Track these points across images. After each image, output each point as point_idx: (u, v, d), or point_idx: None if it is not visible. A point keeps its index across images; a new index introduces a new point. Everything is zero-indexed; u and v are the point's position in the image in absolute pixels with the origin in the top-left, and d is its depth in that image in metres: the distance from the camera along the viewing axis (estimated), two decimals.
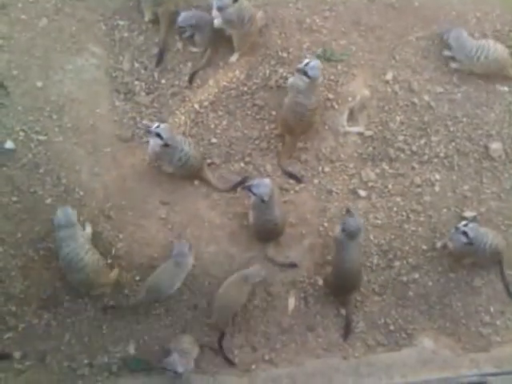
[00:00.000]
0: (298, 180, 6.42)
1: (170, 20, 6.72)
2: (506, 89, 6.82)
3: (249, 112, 6.61)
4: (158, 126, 6.00)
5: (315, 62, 6.16)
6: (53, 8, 6.65)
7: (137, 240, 6.14)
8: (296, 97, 6.23)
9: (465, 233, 5.89)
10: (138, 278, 6.06)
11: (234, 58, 6.72)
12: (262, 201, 5.83)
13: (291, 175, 6.41)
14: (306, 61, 6.19)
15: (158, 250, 6.14)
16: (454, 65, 6.82)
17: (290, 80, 6.34)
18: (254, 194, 5.86)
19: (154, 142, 6.04)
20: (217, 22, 6.59)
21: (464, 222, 5.99)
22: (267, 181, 5.91)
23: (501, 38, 6.91)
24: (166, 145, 6.00)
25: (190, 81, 6.66)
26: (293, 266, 6.16)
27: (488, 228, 6.16)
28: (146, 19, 6.77)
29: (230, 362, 5.92)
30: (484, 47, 6.61)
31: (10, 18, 6.55)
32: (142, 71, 6.65)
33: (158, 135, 5.97)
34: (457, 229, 5.95)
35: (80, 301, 5.99)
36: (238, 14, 6.46)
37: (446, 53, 6.85)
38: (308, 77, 6.12)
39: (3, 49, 6.42)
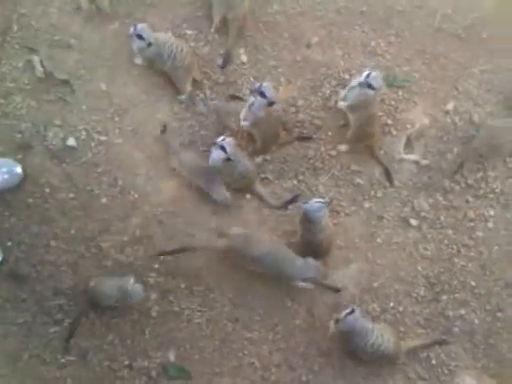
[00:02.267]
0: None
1: (239, 28, 6.80)
2: None
3: (305, 131, 6.61)
4: (223, 139, 6.06)
5: (375, 73, 6.12)
6: (125, 12, 6.77)
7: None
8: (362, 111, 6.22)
9: None
10: (183, 286, 6.10)
11: (181, 97, 6.63)
12: (310, 221, 5.82)
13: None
14: (366, 73, 6.14)
15: (206, 260, 6.16)
16: None
17: (352, 100, 6.28)
18: (306, 213, 5.85)
19: (217, 155, 6.08)
20: (137, 61, 6.62)
21: None
22: (320, 204, 5.86)
23: None
24: (228, 159, 6.04)
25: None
26: (336, 290, 6.11)
27: None
28: (213, 29, 6.83)
29: None
30: None
31: (83, 19, 6.70)
32: (205, 81, 6.70)
33: (222, 148, 6.03)
34: None
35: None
36: (156, 51, 6.39)
37: None
38: (373, 88, 6.08)
39: (73, 48, 6.56)
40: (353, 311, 5.67)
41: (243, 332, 6.05)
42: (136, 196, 6.28)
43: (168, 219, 6.24)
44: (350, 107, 6.36)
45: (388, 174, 6.50)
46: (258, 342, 6.04)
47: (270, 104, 6.12)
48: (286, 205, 6.33)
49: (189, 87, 6.61)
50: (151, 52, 6.38)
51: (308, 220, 5.87)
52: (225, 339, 6.03)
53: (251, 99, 6.20)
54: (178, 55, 6.40)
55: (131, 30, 6.30)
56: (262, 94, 6.09)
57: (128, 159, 6.37)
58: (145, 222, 6.21)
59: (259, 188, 6.35)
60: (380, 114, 6.62)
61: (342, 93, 6.48)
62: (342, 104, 6.46)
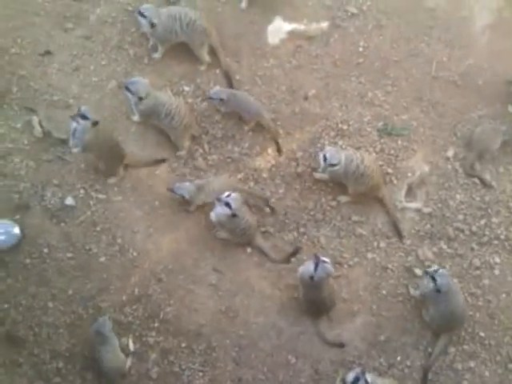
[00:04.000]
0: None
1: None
2: None
3: (306, 183, 6.59)
4: (228, 196, 6.02)
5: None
6: (122, 71, 6.87)
7: (186, 305, 6.08)
8: None
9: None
10: (184, 345, 5.97)
11: (180, 153, 6.66)
12: (311, 279, 5.74)
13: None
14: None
15: (207, 316, 6.06)
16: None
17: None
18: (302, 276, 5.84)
19: (222, 211, 6.03)
20: (135, 118, 6.67)
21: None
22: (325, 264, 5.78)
23: None
24: (234, 215, 6.00)
25: None
26: (341, 346, 5.96)
27: None
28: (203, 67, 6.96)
29: None
30: None
31: (82, 80, 6.79)
32: (203, 136, 6.73)
33: (228, 204, 5.98)
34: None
35: None
36: (152, 108, 6.46)
37: None
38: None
39: (72, 108, 6.58)
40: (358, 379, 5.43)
41: None
42: (135, 254, 6.23)
43: (167, 276, 6.17)
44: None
45: (396, 227, 6.42)
46: None
47: (95, 124, 6.03)
48: (287, 258, 6.24)
49: (187, 144, 6.63)
50: (147, 106, 6.43)
51: (307, 280, 5.80)
52: None
53: (73, 125, 6.10)
54: (176, 116, 6.46)
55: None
56: (84, 117, 6.01)
57: (127, 217, 6.35)
58: (144, 281, 6.15)
59: (260, 242, 6.28)
60: (380, 163, 6.62)
61: (322, 164, 6.39)
62: (318, 175, 6.52)
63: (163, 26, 6.68)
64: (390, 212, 6.46)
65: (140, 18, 6.67)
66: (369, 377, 5.38)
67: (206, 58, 6.95)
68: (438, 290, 5.74)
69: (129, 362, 5.80)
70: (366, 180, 6.29)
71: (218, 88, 6.77)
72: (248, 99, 6.72)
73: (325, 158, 6.26)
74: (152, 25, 6.64)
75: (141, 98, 6.38)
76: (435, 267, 5.93)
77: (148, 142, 6.67)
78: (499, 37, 7.24)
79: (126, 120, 6.70)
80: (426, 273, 5.86)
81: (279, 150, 6.67)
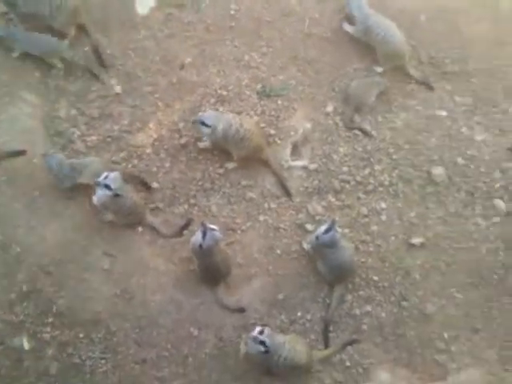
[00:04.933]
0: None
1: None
2: (444, 113, 6.90)
3: (191, 154, 6.54)
4: (106, 177, 5.85)
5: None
6: None
7: (79, 294, 5.94)
8: None
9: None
10: (82, 335, 5.85)
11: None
12: (200, 247, 5.76)
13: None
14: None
15: (103, 303, 5.94)
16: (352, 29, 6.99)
17: None
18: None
19: (103, 193, 5.88)
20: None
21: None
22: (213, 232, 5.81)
23: (436, 65, 7.03)
24: (116, 195, 5.86)
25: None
26: (241, 310, 6.03)
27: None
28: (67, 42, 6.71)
29: None
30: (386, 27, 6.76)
31: None
32: (79, 117, 6.51)
33: (107, 186, 5.82)
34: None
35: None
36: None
37: (347, 28, 7.01)
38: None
39: None
40: (262, 332, 5.58)
41: (152, 372, 5.85)
42: (18, 249, 6.00)
43: (56, 268, 5.99)
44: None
45: (284, 185, 6.50)
46: (169, 379, 5.85)
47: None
48: (179, 232, 6.20)
49: None
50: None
51: (197, 250, 5.81)
52: (134, 383, 5.82)
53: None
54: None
55: None
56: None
57: (6, 211, 6.09)
58: (31, 276, 5.94)
59: (150, 219, 6.19)
60: (262, 125, 6.65)
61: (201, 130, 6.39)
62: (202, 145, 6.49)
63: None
64: (276, 172, 6.51)
65: None
66: (267, 336, 5.52)
67: (72, 32, 6.70)
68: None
69: None
70: (246, 143, 6.29)
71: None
72: None
73: (201, 122, 6.23)
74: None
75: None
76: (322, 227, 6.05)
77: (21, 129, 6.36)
78: None
79: None
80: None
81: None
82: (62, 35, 6.75)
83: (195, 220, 6.28)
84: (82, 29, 6.84)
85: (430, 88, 6.98)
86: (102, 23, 6.92)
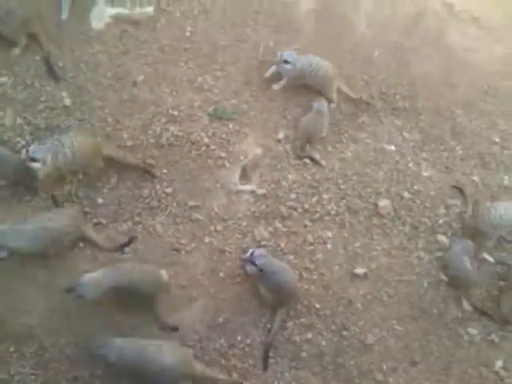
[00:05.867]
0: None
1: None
2: (392, 148, 7.04)
3: (138, 172, 6.46)
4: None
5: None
6: None
7: (13, 307, 5.70)
8: None
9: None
10: (12, 349, 5.60)
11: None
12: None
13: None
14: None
15: (38, 316, 5.72)
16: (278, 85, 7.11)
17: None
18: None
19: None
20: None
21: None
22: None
23: (386, 100, 7.20)
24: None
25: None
26: (174, 329, 5.89)
27: None
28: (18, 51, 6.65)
29: None
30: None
31: None
32: (25, 127, 6.38)
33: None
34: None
35: None
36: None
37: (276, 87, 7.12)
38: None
39: None
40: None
41: None
42: None
43: None
44: None
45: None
46: None
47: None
48: (121, 248, 6.05)
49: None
50: None
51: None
52: None
53: None
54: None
55: None
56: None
57: None
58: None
59: (91, 234, 6.03)
60: (213, 147, 6.66)
61: None
62: None
63: None
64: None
65: None
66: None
67: (23, 41, 6.56)
68: (261, 270, 5.90)
69: None
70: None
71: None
72: None
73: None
74: None
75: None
76: (251, 250, 6.05)
77: None
78: (324, 21, 7.55)
79: None
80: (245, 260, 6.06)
81: None
82: (11, 43, 6.64)
83: (139, 238, 6.16)
84: (33, 39, 6.74)
85: (367, 103, 7.18)
86: (56, 35, 6.87)
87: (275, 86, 7.06)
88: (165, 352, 5.46)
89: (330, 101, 7.06)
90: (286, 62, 6.86)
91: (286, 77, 7.00)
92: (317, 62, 6.93)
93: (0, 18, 6.45)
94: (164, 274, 5.90)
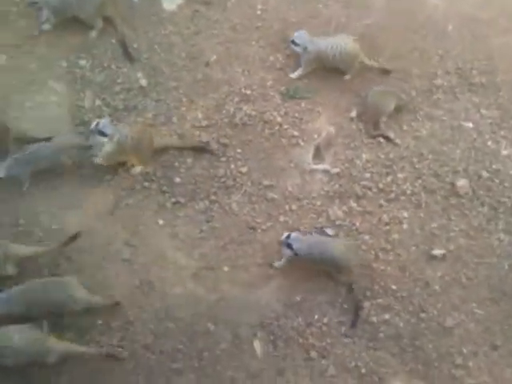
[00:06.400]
0: None
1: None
2: (470, 125, 6.84)
3: (214, 150, 6.50)
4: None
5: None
6: (12, 44, 6.48)
7: (99, 282, 5.89)
8: None
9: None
10: (100, 322, 5.79)
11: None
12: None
13: None
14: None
15: (122, 292, 5.90)
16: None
17: None
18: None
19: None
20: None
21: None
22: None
23: (462, 75, 7.01)
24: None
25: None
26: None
27: None
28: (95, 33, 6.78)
29: None
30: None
31: None
32: (104, 108, 6.51)
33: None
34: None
35: None
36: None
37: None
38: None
39: None
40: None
41: (168, 363, 5.77)
42: (41, 234, 5.99)
43: (77, 255, 5.95)
44: None
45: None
46: (184, 371, 5.77)
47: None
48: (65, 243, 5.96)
49: None
50: None
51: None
52: (149, 373, 5.74)
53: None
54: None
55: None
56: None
57: (28, 197, 6.08)
58: (53, 261, 5.91)
59: None
60: (286, 126, 6.65)
61: None
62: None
63: None
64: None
65: None
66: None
67: (100, 24, 6.69)
68: (296, 254, 5.89)
69: None
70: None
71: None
72: None
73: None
74: None
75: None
76: (287, 234, 6.02)
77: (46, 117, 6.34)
78: None
79: (20, 95, 6.35)
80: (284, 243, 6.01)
81: None
82: (89, 27, 6.77)
83: (215, 216, 6.25)
84: (109, 22, 6.84)
85: (387, 72, 6.97)
86: (129, 17, 6.95)
87: (292, 75, 6.87)
88: None
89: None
90: (294, 43, 6.70)
91: (302, 62, 6.80)
92: (337, 44, 6.66)
93: (78, 2, 6.52)
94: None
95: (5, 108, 6.24)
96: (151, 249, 6.08)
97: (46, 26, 6.65)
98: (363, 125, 6.78)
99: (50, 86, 6.51)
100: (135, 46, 6.87)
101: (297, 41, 6.68)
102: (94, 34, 6.79)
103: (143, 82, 6.71)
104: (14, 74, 6.43)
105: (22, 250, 5.73)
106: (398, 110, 6.82)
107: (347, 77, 6.91)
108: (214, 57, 6.91)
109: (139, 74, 6.76)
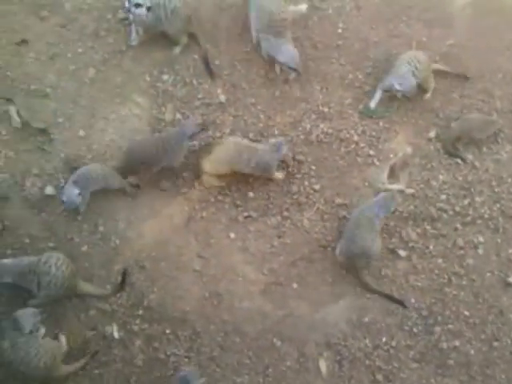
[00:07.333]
0: None
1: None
2: None
3: (289, 168, 6.57)
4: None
5: None
6: (100, 59, 6.79)
7: (170, 292, 6.05)
8: None
9: None
10: (168, 331, 5.94)
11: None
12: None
13: None
14: None
15: (191, 303, 6.04)
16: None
17: None
18: None
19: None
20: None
21: None
22: None
23: None
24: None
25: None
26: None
27: None
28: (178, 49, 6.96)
29: None
30: None
31: (59, 68, 6.72)
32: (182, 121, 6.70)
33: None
34: None
35: None
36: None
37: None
38: None
39: (50, 97, 6.57)
40: None
41: (233, 377, 5.86)
42: (118, 242, 6.19)
43: (151, 264, 6.14)
44: None
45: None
46: None
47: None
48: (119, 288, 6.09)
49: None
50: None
51: None
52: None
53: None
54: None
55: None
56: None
57: (109, 205, 6.30)
58: (127, 269, 6.10)
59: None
60: (362, 145, 6.63)
61: None
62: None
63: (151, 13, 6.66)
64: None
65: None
66: None
67: (185, 40, 6.92)
68: None
69: None
70: None
71: None
72: None
73: None
74: (148, 9, 6.58)
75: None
76: None
77: (128, 129, 6.61)
78: (480, 14, 7.22)
79: (105, 107, 6.63)
80: None
81: None
82: (174, 43, 6.98)
83: (286, 232, 6.31)
84: (192, 38, 7.04)
85: (465, 78, 6.90)
86: (211, 34, 7.08)
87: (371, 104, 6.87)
88: None
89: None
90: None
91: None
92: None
93: (166, 16, 6.72)
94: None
95: (90, 119, 6.53)
96: (221, 261, 6.19)
97: (134, 42, 6.90)
98: (441, 145, 6.65)
99: (133, 99, 6.72)
100: (217, 62, 6.99)
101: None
102: (177, 49, 6.98)
103: (222, 98, 6.83)
104: (101, 87, 6.70)
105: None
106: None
107: (427, 96, 6.80)
108: (293, 74, 6.96)
109: (219, 90, 6.88)
